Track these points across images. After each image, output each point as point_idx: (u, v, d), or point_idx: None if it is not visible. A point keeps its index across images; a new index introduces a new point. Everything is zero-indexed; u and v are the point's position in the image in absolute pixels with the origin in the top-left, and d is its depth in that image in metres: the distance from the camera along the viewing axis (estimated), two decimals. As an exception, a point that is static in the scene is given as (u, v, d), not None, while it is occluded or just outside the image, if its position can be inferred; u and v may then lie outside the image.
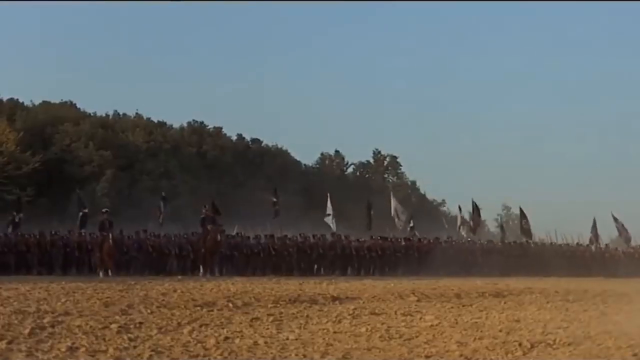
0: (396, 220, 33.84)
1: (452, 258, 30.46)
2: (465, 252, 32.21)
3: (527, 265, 31.68)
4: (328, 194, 33.52)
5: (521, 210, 36.92)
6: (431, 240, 32.63)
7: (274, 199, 31.65)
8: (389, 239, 31.72)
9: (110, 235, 24.04)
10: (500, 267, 30.67)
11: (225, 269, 26.78)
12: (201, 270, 24.89)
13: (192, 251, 26.93)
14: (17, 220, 27.41)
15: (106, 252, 23.85)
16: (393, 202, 34.34)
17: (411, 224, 34.52)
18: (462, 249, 32.57)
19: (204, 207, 25.63)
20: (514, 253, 33.32)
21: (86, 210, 29.13)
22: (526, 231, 35.83)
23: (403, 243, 31.53)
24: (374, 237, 31.41)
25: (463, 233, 35.10)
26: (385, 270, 29.93)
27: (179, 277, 23.40)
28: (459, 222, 36.14)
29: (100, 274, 23.55)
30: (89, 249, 26.11)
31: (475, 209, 36.07)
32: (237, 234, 29.14)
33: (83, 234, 27.25)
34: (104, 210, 25.45)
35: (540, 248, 34.86)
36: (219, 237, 24.71)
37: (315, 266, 29.18)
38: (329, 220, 32.57)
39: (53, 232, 26.92)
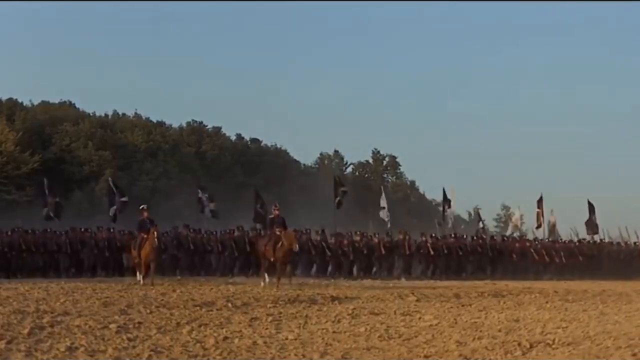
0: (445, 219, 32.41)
1: (529, 258, 29.22)
2: (544, 252, 29.93)
3: (602, 267, 30.05)
4: (382, 187, 32.50)
5: (590, 204, 33.91)
6: (506, 239, 30.85)
7: (343, 190, 30.31)
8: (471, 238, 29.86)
9: (156, 235, 20.11)
10: (577, 269, 29.26)
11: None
12: (266, 280, 20.56)
13: (241, 251, 25.00)
14: (50, 213, 26.55)
15: (146, 255, 20.14)
16: (450, 198, 32.49)
17: (481, 224, 33.45)
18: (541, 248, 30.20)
19: (273, 207, 21.64)
20: (590, 253, 31.01)
21: (125, 199, 27.58)
22: (593, 227, 33.37)
23: (473, 242, 29.46)
24: (452, 235, 29.35)
25: (515, 232, 33.70)
26: (467, 271, 27.93)
27: (179, 277, 23.30)
28: (518, 222, 34.90)
29: (140, 279, 20.34)
30: (118, 247, 24.57)
31: (540, 202, 34.00)
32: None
33: (112, 230, 25.76)
34: (142, 206, 21.54)
35: (617, 248, 32.46)
36: (295, 246, 20.52)
37: (374, 268, 27.20)
38: (384, 213, 30.98)
39: (82, 229, 25.39)
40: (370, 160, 68.77)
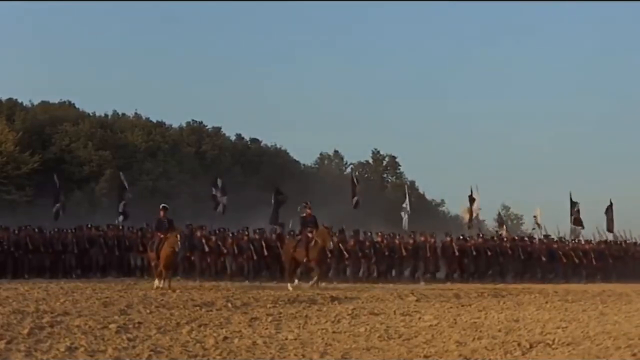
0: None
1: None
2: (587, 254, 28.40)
3: (629, 268, 28.70)
4: (406, 186, 31.11)
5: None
6: (534, 240, 29.03)
7: (356, 184, 29.09)
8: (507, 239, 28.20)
9: (178, 236, 18.91)
10: (607, 270, 28.12)
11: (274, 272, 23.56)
12: (291, 284, 19.56)
13: (259, 254, 23.67)
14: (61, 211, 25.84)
15: (164, 258, 18.74)
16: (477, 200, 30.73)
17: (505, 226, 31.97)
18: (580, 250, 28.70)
19: (304, 204, 20.25)
20: (618, 254, 29.56)
21: (129, 196, 26.85)
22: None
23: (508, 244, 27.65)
24: (479, 236, 27.81)
25: (538, 231, 31.67)
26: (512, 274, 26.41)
27: (179, 277, 23.09)
28: (539, 220, 32.40)
29: (156, 282, 18.94)
30: (127, 246, 23.77)
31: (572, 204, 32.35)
32: (291, 231, 24.81)
33: (122, 228, 24.90)
34: (162, 206, 20.20)
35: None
36: (329, 244, 19.39)
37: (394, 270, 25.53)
38: (405, 217, 30.06)
39: (90, 226, 24.52)
40: (370, 161, 68.80)
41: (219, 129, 59.03)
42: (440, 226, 40.28)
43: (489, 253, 26.49)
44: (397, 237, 26.36)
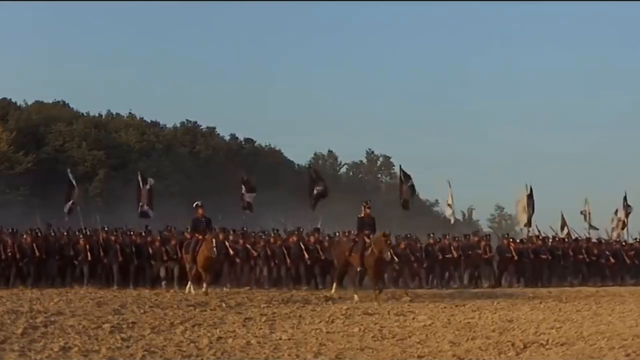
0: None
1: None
2: None
3: None
4: (448, 182, 28.45)
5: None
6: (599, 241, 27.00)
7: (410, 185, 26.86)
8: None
9: (215, 239, 17.33)
10: None
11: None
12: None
13: (294, 259, 20.82)
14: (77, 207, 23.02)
15: (203, 261, 17.34)
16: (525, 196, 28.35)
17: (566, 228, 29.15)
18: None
19: (363, 205, 18.04)
20: None
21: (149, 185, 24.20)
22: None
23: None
24: (538, 238, 25.90)
25: (614, 234, 29.50)
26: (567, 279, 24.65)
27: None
28: (613, 223, 29.79)
29: (192, 289, 17.61)
30: (150, 254, 20.66)
31: (625, 204, 29.99)
32: (328, 234, 23.07)
33: (145, 233, 21.71)
34: (196, 203, 18.45)
35: None
36: (387, 254, 16.80)
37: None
38: (448, 212, 28.20)
39: (106, 229, 21.52)
40: (365, 161, 68.81)
41: (213, 129, 59.05)
42: (435, 226, 40.27)
43: (548, 256, 24.67)
44: (446, 238, 24.29)
